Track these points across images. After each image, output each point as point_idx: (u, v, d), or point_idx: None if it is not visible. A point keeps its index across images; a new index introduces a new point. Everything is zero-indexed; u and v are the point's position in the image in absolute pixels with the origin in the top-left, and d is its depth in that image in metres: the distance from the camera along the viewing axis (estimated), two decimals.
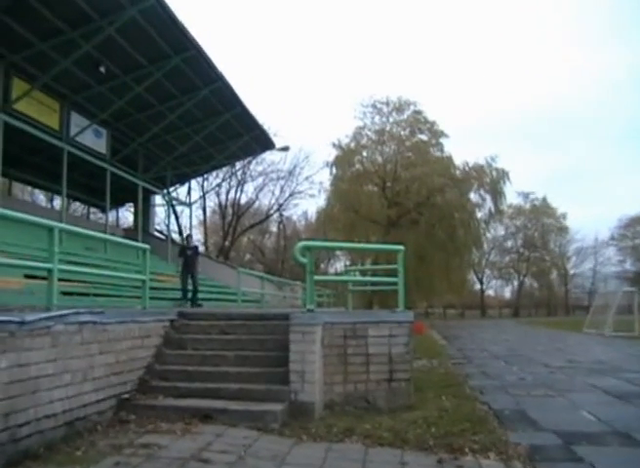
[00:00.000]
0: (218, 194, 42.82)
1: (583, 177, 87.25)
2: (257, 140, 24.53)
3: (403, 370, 6.40)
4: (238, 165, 36.98)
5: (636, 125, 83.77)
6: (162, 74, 16.90)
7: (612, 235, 61.64)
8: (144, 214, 25.40)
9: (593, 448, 4.75)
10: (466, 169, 35.87)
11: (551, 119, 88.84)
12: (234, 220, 42.97)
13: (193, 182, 31.41)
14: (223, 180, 40.35)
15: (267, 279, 18.30)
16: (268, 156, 37.89)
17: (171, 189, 26.43)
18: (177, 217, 36.71)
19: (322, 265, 48.20)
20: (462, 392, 7.34)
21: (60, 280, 5.51)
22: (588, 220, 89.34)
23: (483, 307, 63.60)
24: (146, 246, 7.60)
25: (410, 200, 33.69)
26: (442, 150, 36.32)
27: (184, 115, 19.96)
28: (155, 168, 23.62)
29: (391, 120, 36.67)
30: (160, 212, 31.65)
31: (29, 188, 32.88)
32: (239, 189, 42.66)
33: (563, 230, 63.16)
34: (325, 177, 44.62)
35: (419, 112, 36.52)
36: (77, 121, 18.14)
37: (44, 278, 5.61)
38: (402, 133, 36.55)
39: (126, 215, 33.86)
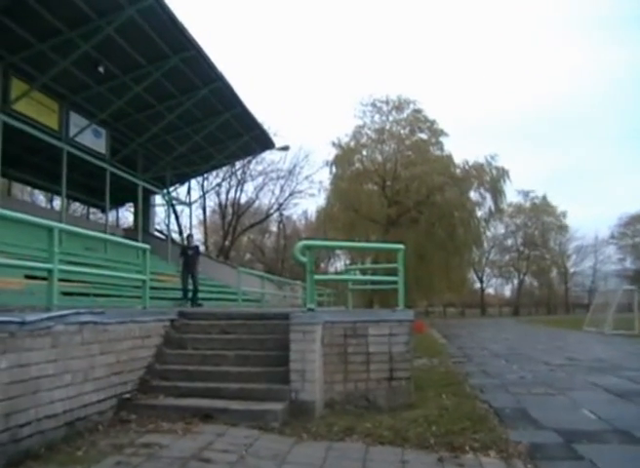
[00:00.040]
0: (218, 194, 42.92)
1: (583, 177, 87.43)
2: (256, 140, 24.52)
3: (403, 368, 6.40)
4: (238, 164, 37.02)
5: (636, 125, 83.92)
6: (161, 74, 16.89)
7: (612, 233, 61.81)
8: (144, 213, 25.40)
9: (594, 446, 4.76)
10: (466, 167, 35.88)
11: (551, 118, 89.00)
12: (234, 220, 42.98)
13: (193, 182, 31.45)
14: (223, 180, 40.44)
15: (267, 278, 18.32)
16: (268, 155, 37.98)
17: (171, 189, 26.44)
18: (177, 217, 36.74)
19: (322, 264, 48.21)
20: (463, 391, 7.35)
21: (60, 280, 5.51)
22: (588, 219, 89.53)
23: (483, 306, 63.60)
24: (146, 246, 7.60)
25: (410, 199, 33.70)
26: (442, 149, 36.38)
27: (184, 115, 19.94)
28: (155, 168, 23.62)
29: (391, 119, 36.74)
30: (160, 211, 31.72)
31: (29, 188, 32.87)
32: (239, 189, 42.77)
33: (563, 228, 63.13)
34: (325, 177, 44.73)
35: (418, 111, 36.54)
36: (76, 121, 18.14)
37: (44, 278, 5.61)
38: (402, 131, 36.58)
39: (126, 215, 33.89)
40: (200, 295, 13.94)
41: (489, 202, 36.19)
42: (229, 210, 43.37)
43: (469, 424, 5.23)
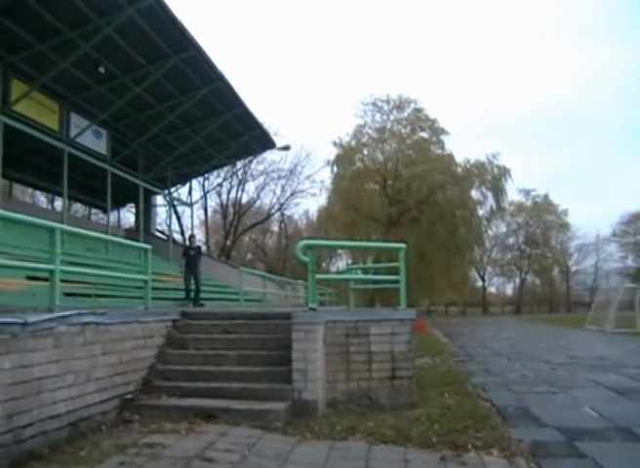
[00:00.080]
0: (219, 194, 42.98)
1: (584, 175, 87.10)
2: (257, 140, 24.52)
3: (405, 367, 6.41)
4: (239, 164, 37.03)
5: (636, 124, 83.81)
6: (161, 74, 16.90)
7: (613, 231, 61.74)
8: (146, 214, 25.45)
9: (596, 443, 4.77)
10: (467, 166, 35.84)
11: (551, 117, 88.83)
12: (236, 220, 43.01)
13: (194, 182, 31.50)
14: (224, 180, 40.48)
15: (269, 278, 18.30)
16: (269, 155, 37.97)
17: (172, 189, 26.46)
18: (178, 218, 36.76)
19: (324, 264, 48.25)
20: (465, 389, 7.36)
21: (62, 281, 5.52)
22: (590, 217, 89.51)
23: (485, 305, 63.54)
24: (148, 246, 7.60)
25: (411, 198, 33.69)
26: (443, 148, 36.36)
27: (184, 115, 19.96)
28: (156, 168, 23.63)
29: (392, 118, 36.74)
30: (161, 212, 31.74)
31: (30, 190, 32.92)
32: (240, 189, 42.79)
33: (565, 227, 62.99)
34: (326, 176, 44.67)
35: (419, 110, 36.53)
36: (77, 122, 18.16)
37: (46, 279, 5.62)
38: (403, 130, 36.56)
39: (127, 216, 33.97)
40: (202, 296, 13.96)
41: (490, 201, 36.20)
42: (231, 210, 43.40)
43: (472, 423, 5.23)
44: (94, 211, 30.00)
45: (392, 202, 34.38)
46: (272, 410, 5.28)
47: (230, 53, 67.06)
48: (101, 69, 15.92)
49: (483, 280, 64.06)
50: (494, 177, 35.34)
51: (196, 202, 31.76)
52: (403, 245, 7.43)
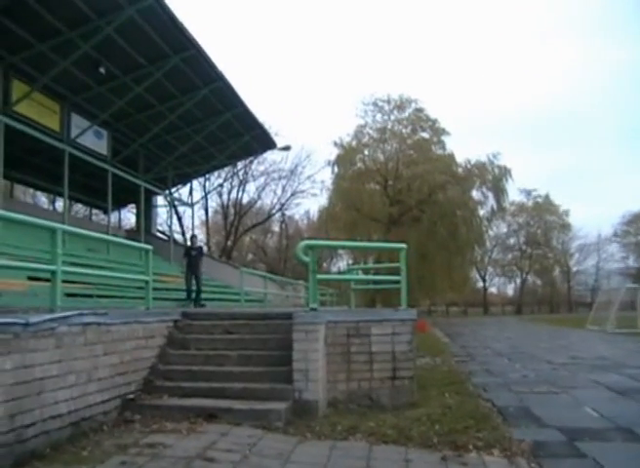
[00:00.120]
0: (220, 194, 43.00)
1: (584, 175, 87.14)
2: (258, 140, 24.54)
3: (406, 367, 6.41)
4: (240, 165, 37.04)
5: (636, 124, 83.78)
6: (162, 74, 16.92)
7: (615, 231, 61.70)
8: (146, 214, 25.48)
9: (596, 443, 4.77)
10: (468, 166, 35.85)
11: (552, 117, 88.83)
12: (236, 220, 43.02)
13: (195, 183, 31.52)
14: (225, 180, 40.51)
15: (270, 278, 18.33)
16: (270, 155, 38.00)
17: (173, 190, 26.47)
18: (179, 218, 36.78)
19: (324, 264, 48.26)
20: (466, 389, 7.36)
21: (63, 281, 5.52)
22: (590, 218, 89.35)
23: (486, 305, 63.52)
24: (149, 246, 7.61)
25: (411, 198, 33.70)
26: (444, 148, 36.38)
27: (185, 115, 19.98)
28: (156, 168, 23.65)
29: (393, 118, 36.76)
30: (162, 212, 31.78)
31: (31, 190, 32.97)
32: (241, 189, 42.82)
33: (566, 227, 62.94)
34: (327, 176, 44.77)
35: (420, 110, 36.54)
36: (78, 122, 18.18)
37: (47, 280, 5.63)
38: (403, 131, 36.58)
39: (128, 217, 33.97)
40: (203, 296, 13.97)
41: (491, 201, 36.23)
42: (231, 210, 43.43)
43: (472, 423, 5.23)
44: (94, 211, 30.07)
45: (393, 202, 34.38)
46: (273, 410, 5.28)
47: (231, 53, 67.23)
48: (102, 69, 15.94)
49: (484, 280, 64.09)
50: (494, 178, 35.34)
51: (197, 202, 31.80)
52: (404, 245, 7.43)
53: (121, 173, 20.79)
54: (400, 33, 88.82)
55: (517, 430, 5.18)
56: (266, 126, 25.14)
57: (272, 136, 26.22)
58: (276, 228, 52.24)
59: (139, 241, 19.51)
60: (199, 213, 42.60)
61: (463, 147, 50.25)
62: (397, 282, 7.24)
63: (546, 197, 62.07)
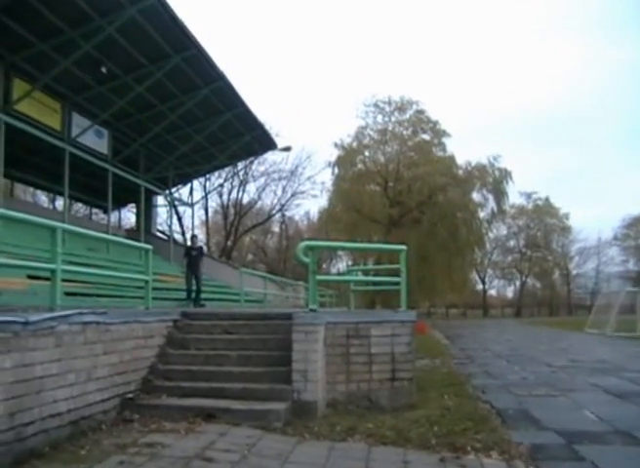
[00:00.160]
0: (220, 194, 42.99)
1: (584, 178, 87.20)
2: (258, 140, 24.55)
3: (405, 369, 6.41)
4: (240, 165, 37.02)
5: (636, 125, 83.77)
6: (163, 74, 16.92)
7: (615, 235, 61.68)
8: (147, 214, 25.48)
9: (595, 447, 4.77)
10: (469, 168, 35.83)
11: (551, 119, 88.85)
12: (236, 220, 43.03)
13: (195, 183, 31.46)
14: (226, 181, 40.50)
15: (270, 279, 18.34)
16: (270, 156, 38.03)
17: (173, 190, 26.47)
18: (179, 218, 36.77)
19: (324, 265, 48.22)
20: (465, 391, 7.36)
21: (63, 280, 5.53)
22: (590, 221, 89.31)
23: (485, 307, 63.54)
24: (149, 246, 7.62)
25: (412, 199, 33.68)
26: (444, 150, 36.35)
27: (185, 115, 19.98)
28: (157, 168, 23.66)
29: (393, 119, 36.74)
30: (162, 212, 31.77)
31: (31, 189, 32.97)
32: (241, 189, 42.82)
33: (566, 230, 62.99)
34: (327, 177, 44.66)
35: (421, 112, 36.53)
36: (78, 121, 18.19)
37: (47, 279, 5.63)
38: (404, 132, 36.57)
39: (128, 216, 33.98)
40: (203, 296, 13.96)
41: (491, 203, 36.17)
42: (232, 210, 43.43)
43: (471, 425, 5.23)
44: (95, 210, 30.08)
45: (393, 203, 34.38)
46: (272, 411, 5.29)
47: (232, 53, 67.28)
48: (103, 69, 15.95)
49: (484, 282, 64.11)
50: (495, 180, 35.31)
51: (197, 202, 31.79)
52: (404, 246, 7.43)
53: (121, 172, 20.79)
54: (401, 34, 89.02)
55: (516, 432, 5.18)
56: (267, 126, 25.19)
57: (273, 136, 26.27)
58: (276, 229, 52.32)
59: (138, 240, 19.51)
60: (199, 213, 42.67)
61: (464, 149, 50.25)
62: (397, 283, 7.24)
63: (546, 200, 62.23)
